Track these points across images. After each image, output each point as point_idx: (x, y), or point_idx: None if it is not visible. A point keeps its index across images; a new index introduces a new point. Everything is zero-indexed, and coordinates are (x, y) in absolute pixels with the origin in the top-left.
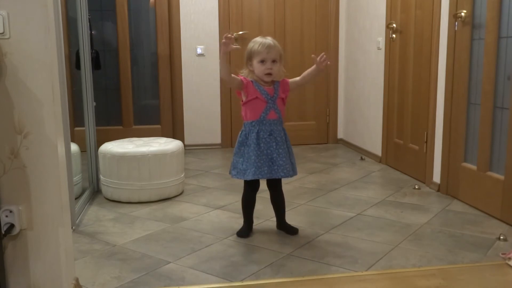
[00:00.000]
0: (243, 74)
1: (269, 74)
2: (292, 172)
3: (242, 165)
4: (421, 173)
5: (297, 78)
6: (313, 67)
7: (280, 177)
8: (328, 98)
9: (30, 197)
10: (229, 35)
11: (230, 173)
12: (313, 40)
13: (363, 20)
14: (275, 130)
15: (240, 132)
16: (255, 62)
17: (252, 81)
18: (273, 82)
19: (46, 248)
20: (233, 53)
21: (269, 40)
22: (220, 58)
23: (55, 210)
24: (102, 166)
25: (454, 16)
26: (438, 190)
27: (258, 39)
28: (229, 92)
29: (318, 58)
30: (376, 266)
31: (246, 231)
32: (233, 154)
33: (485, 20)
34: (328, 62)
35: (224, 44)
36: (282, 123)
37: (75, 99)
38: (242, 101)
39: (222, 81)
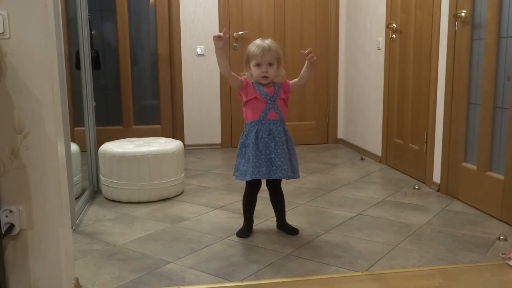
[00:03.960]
0: (245, 76)
1: (265, 77)
2: (292, 173)
3: (243, 166)
4: (421, 173)
5: (296, 79)
6: (306, 63)
7: (277, 177)
8: (328, 98)
9: (30, 197)
10: (220, 34)
11: (234, 174)
12: (313, 40)
13: (363, 20)
14: (275, 130)
15: (241, 134)
16: (252, 65)
17: (252, 83)
18: (273, 83)
19: (46, 248)
20: (233, 54)
21: (266, 43)
22: (216, 54)
23: (55, 210)
24: (102, 166)
25: (454, 16)
26: (438, 190)
27: (257, 41)
28: (229, 92)
29: (306, 52)
30: (376, 266)
31: (246, 231)
32: (236, 156)
33: (485, 20)
34: (314, 57)
35: (216, 40)
36: (284, 123)
37: (75, 99)
38: (243, 101)
39: (222, 77)
